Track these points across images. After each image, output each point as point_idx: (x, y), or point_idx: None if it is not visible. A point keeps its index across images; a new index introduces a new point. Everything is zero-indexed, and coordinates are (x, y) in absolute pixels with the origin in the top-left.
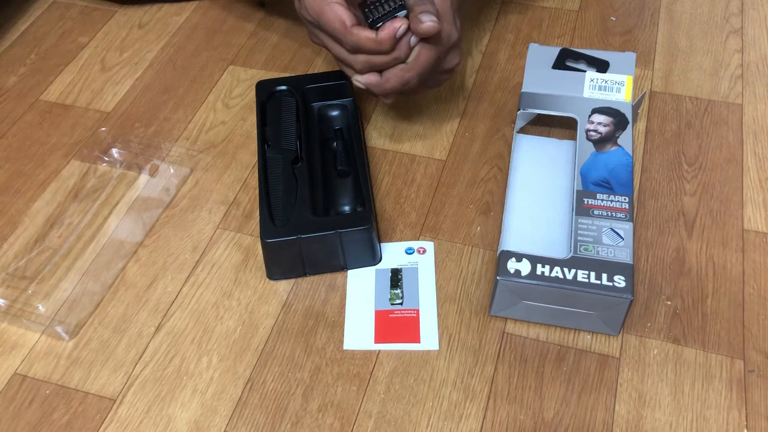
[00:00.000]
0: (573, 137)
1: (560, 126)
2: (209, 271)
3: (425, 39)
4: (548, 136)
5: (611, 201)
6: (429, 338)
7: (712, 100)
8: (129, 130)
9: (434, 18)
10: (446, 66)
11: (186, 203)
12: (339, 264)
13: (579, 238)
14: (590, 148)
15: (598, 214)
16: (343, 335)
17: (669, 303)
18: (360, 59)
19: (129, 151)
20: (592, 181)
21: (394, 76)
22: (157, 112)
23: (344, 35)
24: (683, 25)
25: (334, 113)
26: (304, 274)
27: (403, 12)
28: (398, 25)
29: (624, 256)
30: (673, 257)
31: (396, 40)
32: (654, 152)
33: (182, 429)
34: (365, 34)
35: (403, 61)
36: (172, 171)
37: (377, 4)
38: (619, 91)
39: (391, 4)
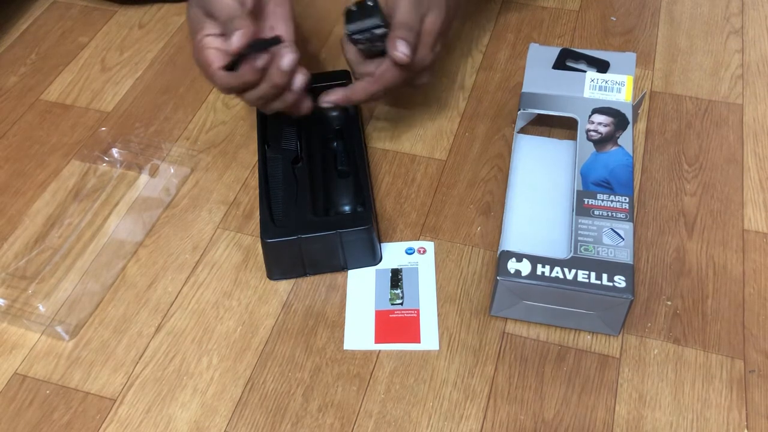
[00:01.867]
0: (573, 137)
1: (560, 126)
2: (209, 271)
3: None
4: (548, 137)
5: (611, 201)
6: (429, 338)
7: (712, 100)
8: (129, 130)
9: (407, 51)
10: (415, 83)
11: (186, 203)
12: (339, 264)
13: (579, 238)
14: (590, 148)
15: (599, 215)
16: (343, 335)
17: (669, 303)
18: (251, 96)
19: (129, 151)
20: (593, 181)
21: (361, 89)
22: (157, 112)
23: (212, 78)
24: (683, 25)
25: (334, 113)
26: (305, 274)
27: (383, 30)
28: (258, 63)
29: (624, 256)
30: (674, 257)
31: (261, 71)
32: (654, 152)
33: (182, 429)
34: (222, 74)
35: (283, 87)
36: (172, 171)
37: (358, 13)
38: (619, 92)
39: (373, 21)
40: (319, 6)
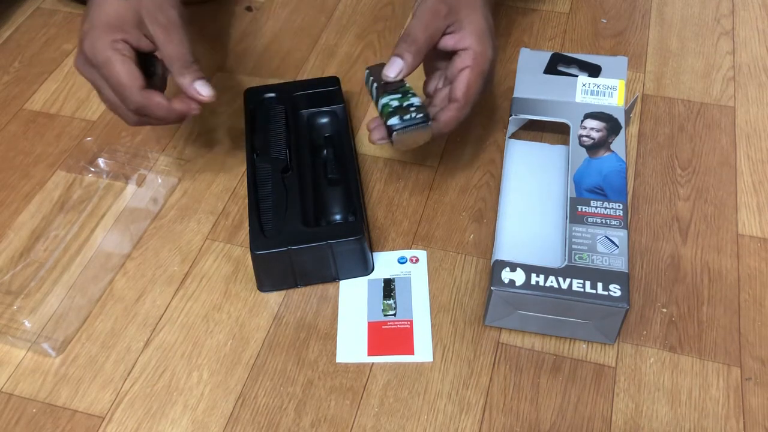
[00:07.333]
0: (565, 142)
1: (552, 131)
2: (198, 284)
3: (474, 71)
4: (540, 141)
5: (605, 208)
6: (423, 350)
7: (704, 102)
8: (115, 139)
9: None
10: (489, 87)
11: (174, 214)
12: (330, 275)
13: (573, 246)
14: (583, 154)
15: (593, 222)
16: (335, 348)
17: (665, 310)
18: (136, 118)
19: (116, 161)
20: (586, 188)
21: (452, 119)
22: None
23: (131, 94)
24: (674, 26)
25: (324, 120)
26: (296, 286)
27: (425, 122)
28: (194, 107)
29: (619, 264)
30: (668, 263)
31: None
32: (647, 156)
33: None
34: (157, 100)
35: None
36: (159, 181)
37: (401, 105)
38: (611, 96)
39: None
40: (303, 12)
